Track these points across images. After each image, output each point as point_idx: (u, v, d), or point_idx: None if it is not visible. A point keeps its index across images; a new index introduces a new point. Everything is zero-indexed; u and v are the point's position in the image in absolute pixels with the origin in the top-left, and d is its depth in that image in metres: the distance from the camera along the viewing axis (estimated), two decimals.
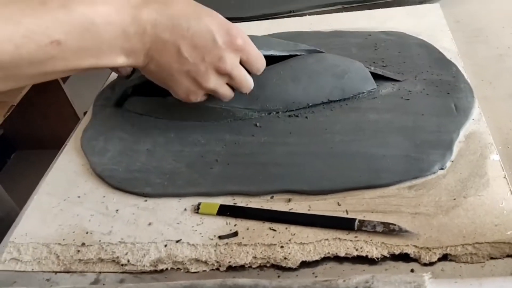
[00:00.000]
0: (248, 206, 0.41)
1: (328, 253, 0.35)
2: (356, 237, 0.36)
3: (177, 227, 0.41)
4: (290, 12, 0.68)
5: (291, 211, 0.40)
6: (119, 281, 0.38)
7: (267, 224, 0.39)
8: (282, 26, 0.64)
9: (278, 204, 0.41)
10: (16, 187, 1.01)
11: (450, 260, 0.34)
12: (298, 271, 0.36)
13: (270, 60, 0.47)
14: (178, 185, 0.44)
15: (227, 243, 0.38)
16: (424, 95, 0.48)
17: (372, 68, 0.51)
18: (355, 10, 0.66)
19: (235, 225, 0.40)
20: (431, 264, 0.34)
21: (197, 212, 0.41)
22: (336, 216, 0.38)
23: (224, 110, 0.50)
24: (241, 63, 0.44)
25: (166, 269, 0.38)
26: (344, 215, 0.38)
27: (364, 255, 0.35)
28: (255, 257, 0.37)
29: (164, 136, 0.50)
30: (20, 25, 0.34)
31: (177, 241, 0.39)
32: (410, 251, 0.34)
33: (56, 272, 0.39)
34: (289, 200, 0.41)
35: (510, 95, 0.48)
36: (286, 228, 0.38)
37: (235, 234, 0.39)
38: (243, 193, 0.42)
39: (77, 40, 0.37)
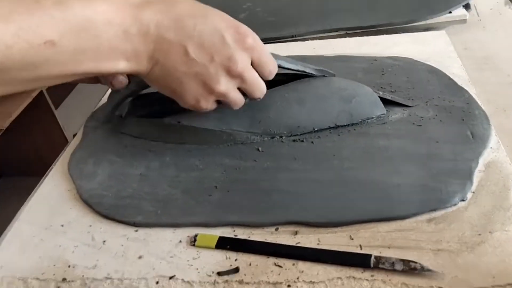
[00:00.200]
0: (251, 238, 0.37)
1: None
2: (372, 276, 0.32)
3: (171, 261, 0.36)
4: (293, 36, 0.66)
5: (298, 245, 0.36)
6: None
7: (272, 260, 0.35)
8: (285, 50, 0.62)
9: (284, 237, 0.37)
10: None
11: None
12: None
13: (273, 83, 0.45)
14: (173, 213, 0.40)
15: (226, 281, 0.34)
16: (437, 121, 0.45)
17: (381, 93, 0.48)
18: (359, 36, 0.64)
19: (235, 260, 0.36)
20: None
21: (194, 245, 0.37)
22: (349, 251, 0.34)
23: (224, 133, 0.46)
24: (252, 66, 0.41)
25: None
26: (358, 250, 0.35)
27: None
28: None
29: (158, 159, 0.46)
30: (11, 23, 0.30)
31: (171, 278, 0.35)
32: None
33: None
34: (296, 233, 0.37)
35: None
36: (293, 264, 0.34)
37: (236, 270, 0.35)
38: (244, 224, 0.38)
39: (73, 40, 0.34)
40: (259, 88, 0.42)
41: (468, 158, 0.40)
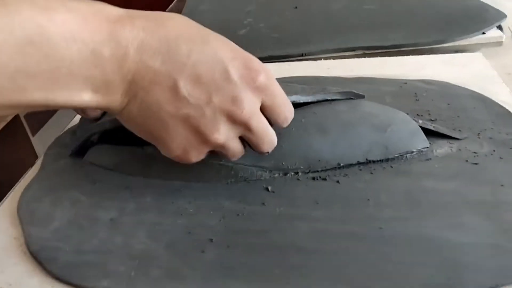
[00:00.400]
0: None
1: None
2: None
3: None
4: (302, 55, 0.56)
5: None
6: None
7: None
8: (294, 70, 0.53)
9: None
10: None
11: None
12: None
13: None
14: (152, 277, 0.29)
15: None
16: (496, 158, 0.36)
17: (421, 121, 0.39)
18: (379, 56, 0.55)
19: None
20: None
21: None
22: None
23: (223, 167, 0.36)
24: (261, 110, 0.31)
25: None
26: None
27: None
28: None
29: (136, 200, 0.35)
30: None
31: None
32: None
33: None
34: None
35: None
36: None
37: None
38: None
39: (14, 58, 0.24)
40: (269, 140, 0.32)
41: None
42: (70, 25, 0.25)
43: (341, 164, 0.36)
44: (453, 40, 0.56)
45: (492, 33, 0.56)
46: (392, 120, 0.37)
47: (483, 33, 0.56)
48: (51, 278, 0.31)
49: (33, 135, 1.51)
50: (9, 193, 0.40)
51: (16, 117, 1.35)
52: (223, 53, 0.29)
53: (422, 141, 0.37)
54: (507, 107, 0.42)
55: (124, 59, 0.27)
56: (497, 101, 0.43)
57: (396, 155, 0.36)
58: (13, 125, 1.34)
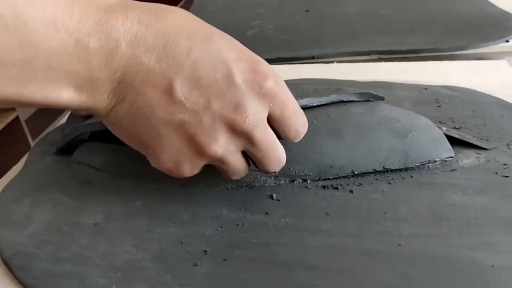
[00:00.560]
0: None
1: None
2: None
3: None
4: (313, 58, 0.53)
5: None
6: None
7: None
8: (304, 73, 0.49)
9: None
10: None
11: None
12: None
13: None
14: None
15: None
16: None
17: (444, 128, 0.35)
18: (396, 61, 0.51)
19: None
20: None
21: None
22: None
23: None
24: (268, 121, 0.27)
25: None
26: None
27: None
28: None
29: (125, 204, 0.32)
30: None
31: None
32: None
33: None
34: None
35: None
36: None
37: None
38: None
39: None
40: (276, 157, 0.28)
41: None
42: (52, 10, 0.22)
43: (356, 172, 0.32)
44: (475, 47, 0.52)
45: None
46: (413, 126, 0.33)
47: (507, 41, 0.53)
48: None
49: (33, 139, 1.49)
50: None
51: (16, 121, 1.33)
52: (227, 53, 0.25)
53: (446, 150, 0.33)
54: None
55: (113, 54, 0.24)
56: None
57: (417, 164, 0.33)
58: (12, 129, 1.31)
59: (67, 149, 0.37)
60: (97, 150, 0.36)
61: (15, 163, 0.40)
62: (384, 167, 0.32)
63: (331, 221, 0.29)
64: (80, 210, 0.32)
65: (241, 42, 0.27)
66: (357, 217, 0.29)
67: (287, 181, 0.32)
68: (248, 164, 0.29)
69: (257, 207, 0.31)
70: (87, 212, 0.31)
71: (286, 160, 0.31)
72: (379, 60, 0.52)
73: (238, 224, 0.29)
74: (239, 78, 0.25)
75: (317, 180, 0.32)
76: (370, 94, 0.34)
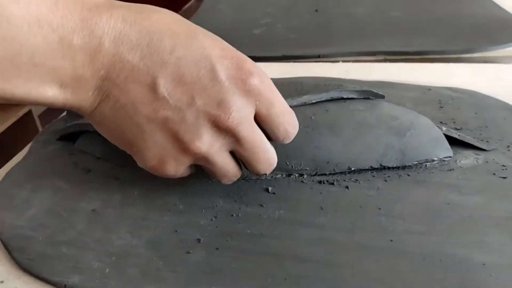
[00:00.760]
0: None
1: None
2: None
3: None
4: (318, 57, 0.53)
5: None
6: None
7: None
8: (309, 71, 0.49)
9: None
10: None
11: None
12: None
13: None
14: (129, 276, 0.26)
15: None
16: None
17: (444, 128, 0.35)
18: (402, 62, 0.51)
19: None
20: None
21: None
22: None
23: None
24: (256, 122, 0.27)
25: None
26: None
27: None
28: None
29: (123, 192, 0.32)
30: None
31: None
32: None
33: None
34: None
35: None
36: None
37: None
38: None
39: None
40: (265, 158, 0.28)
41: None
42: (36, 7, 0.22)
43: (352, 168, 0.32)
44: (482, 50, 0.52)
45: None
46: (412, 124, 0.33)
47: None
48: (18, 270, 0.27)
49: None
50: None
51: (29, 115, 1.35)
52: (211, 50, 0.25)
53: (445, 150, 0.33)
54: None
55: (97, 51, 0.24)
56: None
57: (415, 163, 0.33)
58: (25, 123, 1.33)
59: (69, 138, 0.38)
60: (98, 139, 0.36)
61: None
62: (381, 164, 0.32)
63: (325, 216, 0.29)
64: (79, 197, 0.32)
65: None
66: (351, 213, 0.29)
67: (283, 175, 0.32)
68: (240, 167, 0.29)
69: (252, 199, 0.31)
70: (86, 198, 0.32)
71: (283, 154, 0.31)
72: (385, 61, 0.52)
73: (233, 215, 0.30)
74: (223, 75, 0.25)
75: (314, 175, 0.32)
76: (370, 92, 0.35)
